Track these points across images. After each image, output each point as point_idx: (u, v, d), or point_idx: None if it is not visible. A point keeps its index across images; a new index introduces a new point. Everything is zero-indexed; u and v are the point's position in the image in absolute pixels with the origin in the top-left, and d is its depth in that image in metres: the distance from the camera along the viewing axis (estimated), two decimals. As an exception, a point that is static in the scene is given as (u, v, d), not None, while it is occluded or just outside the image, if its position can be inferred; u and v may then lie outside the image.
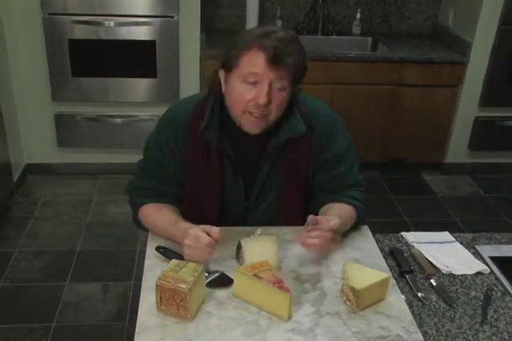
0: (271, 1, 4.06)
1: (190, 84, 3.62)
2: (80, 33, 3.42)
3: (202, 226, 1.49)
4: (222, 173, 1.69)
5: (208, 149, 1.66)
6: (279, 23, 4.03)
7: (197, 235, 1.46)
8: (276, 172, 1.70)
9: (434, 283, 1.55)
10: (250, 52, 1.49)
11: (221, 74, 1.60)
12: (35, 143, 3.79)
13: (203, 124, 1.61)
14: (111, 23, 3.40)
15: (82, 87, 3.58)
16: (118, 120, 3.71)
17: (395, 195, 3.85)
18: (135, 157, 1.81)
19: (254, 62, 1.49)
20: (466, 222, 3.52)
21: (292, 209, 1.75)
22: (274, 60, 1.47)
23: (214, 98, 1.65)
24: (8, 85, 3.53)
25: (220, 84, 1.62)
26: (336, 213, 1.62)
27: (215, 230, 1.47)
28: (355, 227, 1.73)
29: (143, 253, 1.63)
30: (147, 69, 3.56)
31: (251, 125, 1.58)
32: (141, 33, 3.45)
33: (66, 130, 3.71)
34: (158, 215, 1.67)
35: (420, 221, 3.52)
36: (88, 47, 3.47)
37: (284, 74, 1.51)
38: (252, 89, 1.52)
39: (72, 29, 3.40)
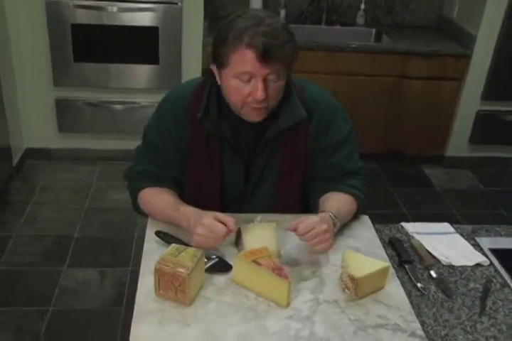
0: (275, -11, 4.04)
1: (192, 71, 3.59)
2: (83, 17, 3.39)
3: (214, 214, 1.47)
4: (221, 158, 1.68)
5: (207, 134, 1.65)
6: (283, 12, 4.00)
7: (212, 225, 1.44)
8: (275, 158, 1.69)
9: (434, 274, 1.54)
10: (239, 51, 1.44)
11: (213, 68, 1.57)
12: (36, 128, 3.77)
13: (200, 113, 1.60)
14: (114, 8, 3.37)
15: (83, 73, 3.56)
16: (119, 106, 3.69)
17: (395, 187, 3.84)
18: (135, 143, 1.79)
19: (245, 62, 1.44)
20: (465, 216, 3.53)
21: (291, 196, 1.75)
22: (265, 56, 1.42)
23: (210, 85, 1.62)
24: (10, 70, 3.51)
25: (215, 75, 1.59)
26: (335, 206, 1.61)
27: (231, 223, 1.44)
28: (355, 216, 1.73)
29: (141, 239, 1.63)
30: (149, 56, 3.54)
31: (253, 115, 1.57)
32: (144, 19, 3.42)
33: (67, 115, 3.70)
34: (156, 199, 1.66)
35: (419, 213, 3.52)
36: (91, 32, 3.44)
37: (278, 67, 1.47)
38: (247, 85, 1.49)
39: (75, 14, 3.37)
